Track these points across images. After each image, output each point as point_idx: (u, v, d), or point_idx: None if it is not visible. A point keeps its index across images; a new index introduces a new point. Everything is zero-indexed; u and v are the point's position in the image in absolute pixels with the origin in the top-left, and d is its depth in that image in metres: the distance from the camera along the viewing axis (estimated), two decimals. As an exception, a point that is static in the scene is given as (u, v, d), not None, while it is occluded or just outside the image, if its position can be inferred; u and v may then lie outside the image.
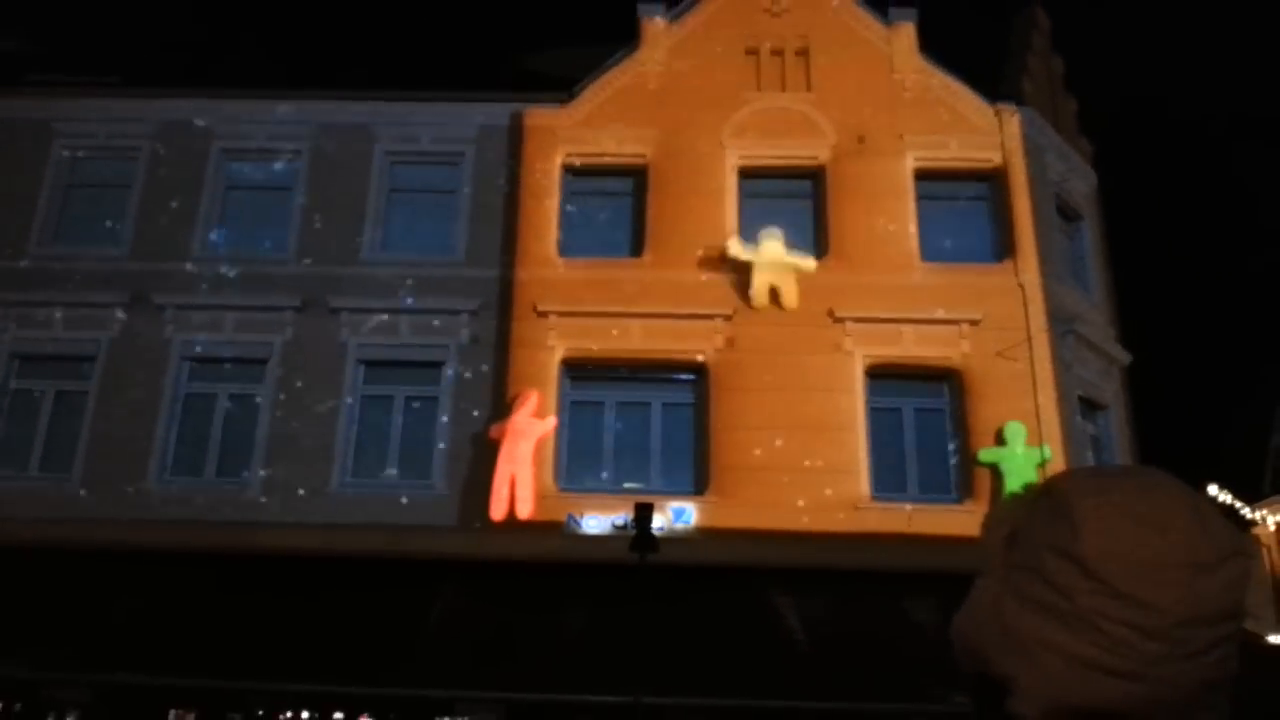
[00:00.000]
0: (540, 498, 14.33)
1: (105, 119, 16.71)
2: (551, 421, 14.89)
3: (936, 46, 16.99)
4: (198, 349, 15.40)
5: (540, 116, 16.58)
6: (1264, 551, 25.87)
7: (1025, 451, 14.35)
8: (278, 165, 16.54)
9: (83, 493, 14.55)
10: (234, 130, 16.60)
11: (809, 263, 15.20)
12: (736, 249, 15.26)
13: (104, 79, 17.22)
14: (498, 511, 14.20)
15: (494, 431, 14.72)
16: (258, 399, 15.09)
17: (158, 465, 14.74)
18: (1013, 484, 13.99)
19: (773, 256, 15.15)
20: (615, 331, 15.20)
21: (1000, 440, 14.50)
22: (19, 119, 16.76)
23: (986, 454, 14.44)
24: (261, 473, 14.63)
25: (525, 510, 14.28)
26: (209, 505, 14.33)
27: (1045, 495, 1.07)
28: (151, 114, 16.67)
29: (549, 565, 13.34)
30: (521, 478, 14.41)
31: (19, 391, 15.45)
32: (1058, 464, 14.32)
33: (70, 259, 15.87)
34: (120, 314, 15.46)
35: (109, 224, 16.21)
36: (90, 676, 12.74)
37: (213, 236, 16.13)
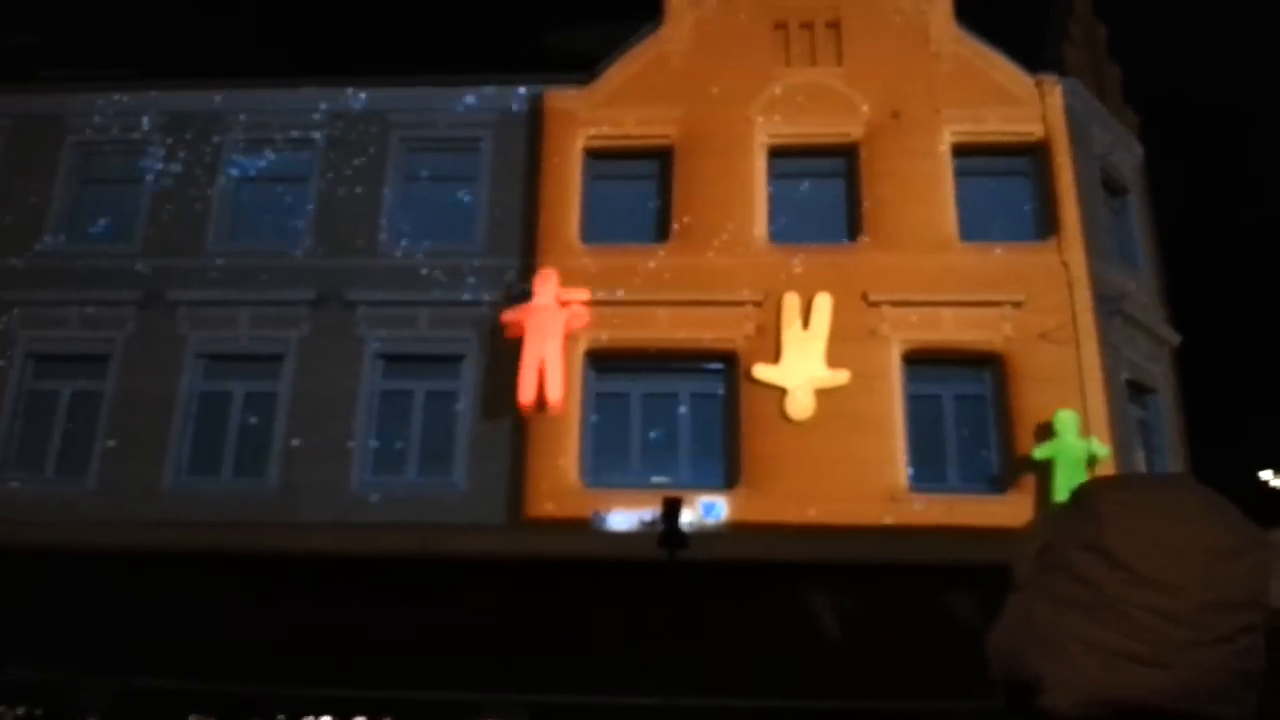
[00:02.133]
0: (564, 494, 13.89)
1: (118, 112, 16.40)
2: (583, 313, 14.49)
3: (974, 15, 16.25)
4: (212, 346, 15.08)
5: (560, 99, 16.06)
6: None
7: (1077, 443, 13.58)
8: (292, 155, 16.14)
9: (99, 494, 14.29)
10: (247, 121, 16.22)
11: (841, 376, 14.24)
12: (763, 373, 14.33)
13: (117, 72, 16.90)
14: (526, 396, 13.94)
15: (509, 315, 14.38)
16: (275, 396, 14.74)
17: (174, 466, 14.45)
18: (1065, 479, 13.22)
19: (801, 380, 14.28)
20: (641, 320, 14.69)
21: (1050, 432, 13.76)
22: (32, 114, 16.50)
23: (1041, 450, 13.66)
24: (279, 472, 14.30)
25: (555, 394, 13.99)
26: (226, 506, 14.00)
27: (1073, 501, 1.12)
28: (164, 106, 16.34)
29: (575, 563, 12.90)
30: (551, 361, 14.10)
31: (35, 393, 15.22)
32: (1108, 460, 13.66)
33: (82, 256, 15.59)
34: (134, 311, 15.17)
35: (121, 220, 15.91)
36: (110, 680, 12.57)
37: (226, 230, 15.78)
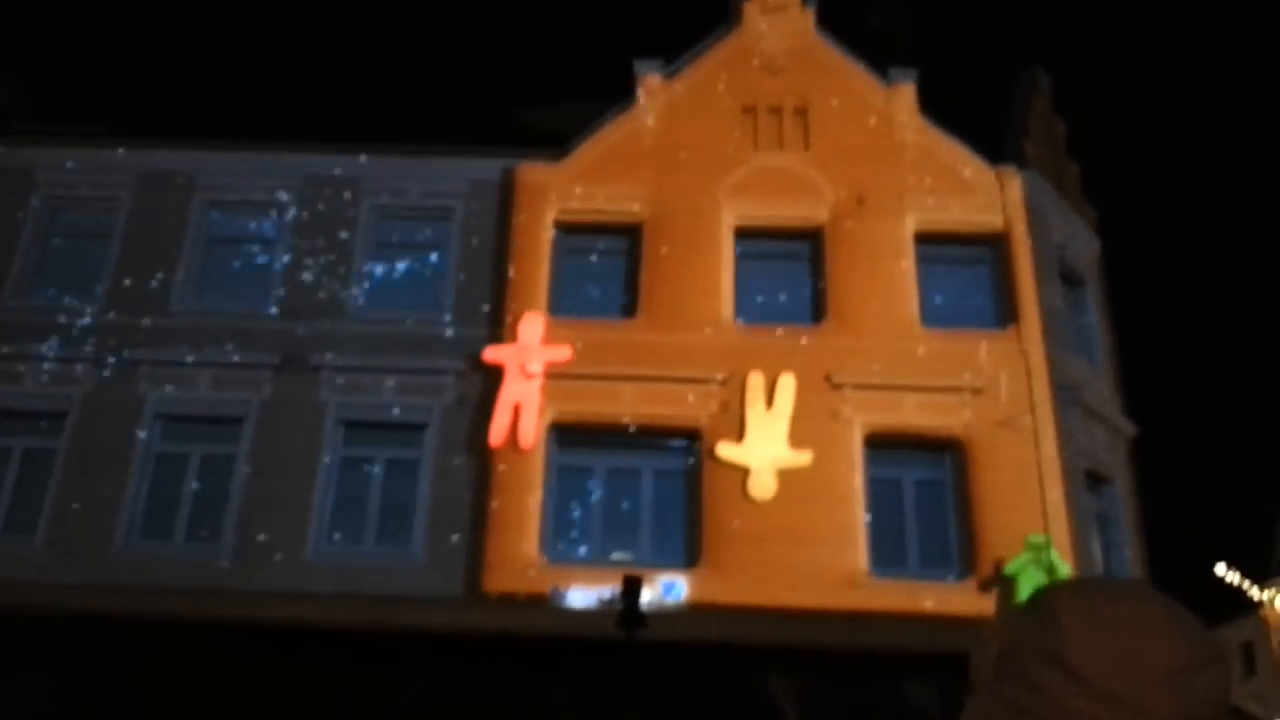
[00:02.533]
0: (523, 569, 13.73)
1: (88, 168, 16.32)
2: (566, 350, 14.66)
3: (936, 108, 16.71)
4: (172, 406, 14.84)
5: (532, 172, 16.22)
6: (1271, 633, 25.20)
7: (1045, 563, 13.49)
8: (261, 218, 16.12)
9: (45, 555, 13.89)
10: (217, 182, 16.21)
11: (803, 457, 14.32)
12: (727, 452, 14.38)
13: (90, 129, 16.84)
14: (496, 439, 14.11)
15: (490, 355, 14.60)
16: (233, 460, 14.49)
17: (124, 528, 14.11)
18: (1024, 591, 13.20)
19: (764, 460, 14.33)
20: (607, 395, 14.69)
21: (1018, 543, 13.64)
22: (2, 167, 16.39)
23: (1013, 566, 13.65)
24: (233, 538, 14.00)
25: (527, 440, 14.14)
26: (176, 571, 13.65)
27: (1032, 607, 1.10)
28: (134, 165, 16.28)
29: (532, 641, 12.68)
30: (527, 405, 14.28)
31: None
32: (1062, 536, 13.77)
33: (44, 312, 15.37)
34: (91, 369, 14.92)
35: (86, 276, 15.73)
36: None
37: (191, 290, 15.64)
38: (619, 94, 16.89)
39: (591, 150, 16.45)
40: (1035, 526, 13.81)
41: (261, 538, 13.91)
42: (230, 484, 14.34)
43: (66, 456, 14.51)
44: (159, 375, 14.94)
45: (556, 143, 16.43)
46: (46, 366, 14.97)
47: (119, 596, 13.06)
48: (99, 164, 16.37)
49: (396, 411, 14.81)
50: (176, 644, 12.54)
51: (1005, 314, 15.42)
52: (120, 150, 16.43)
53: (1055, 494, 14.11)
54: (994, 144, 16.95)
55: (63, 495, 14.26)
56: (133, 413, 14.71)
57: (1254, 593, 24.44)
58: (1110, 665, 1.00)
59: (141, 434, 14.62)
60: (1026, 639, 1.07)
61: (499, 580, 13.71)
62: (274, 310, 15.39)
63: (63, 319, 15.31)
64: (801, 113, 16.67)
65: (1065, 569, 13.54)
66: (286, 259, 15.72)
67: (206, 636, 12.59)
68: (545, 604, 13.46)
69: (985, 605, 13.04)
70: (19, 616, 12.52)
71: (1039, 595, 1.13)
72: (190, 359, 14.93)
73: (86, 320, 15.30)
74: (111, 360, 14.94)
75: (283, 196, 16.13)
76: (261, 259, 15.90)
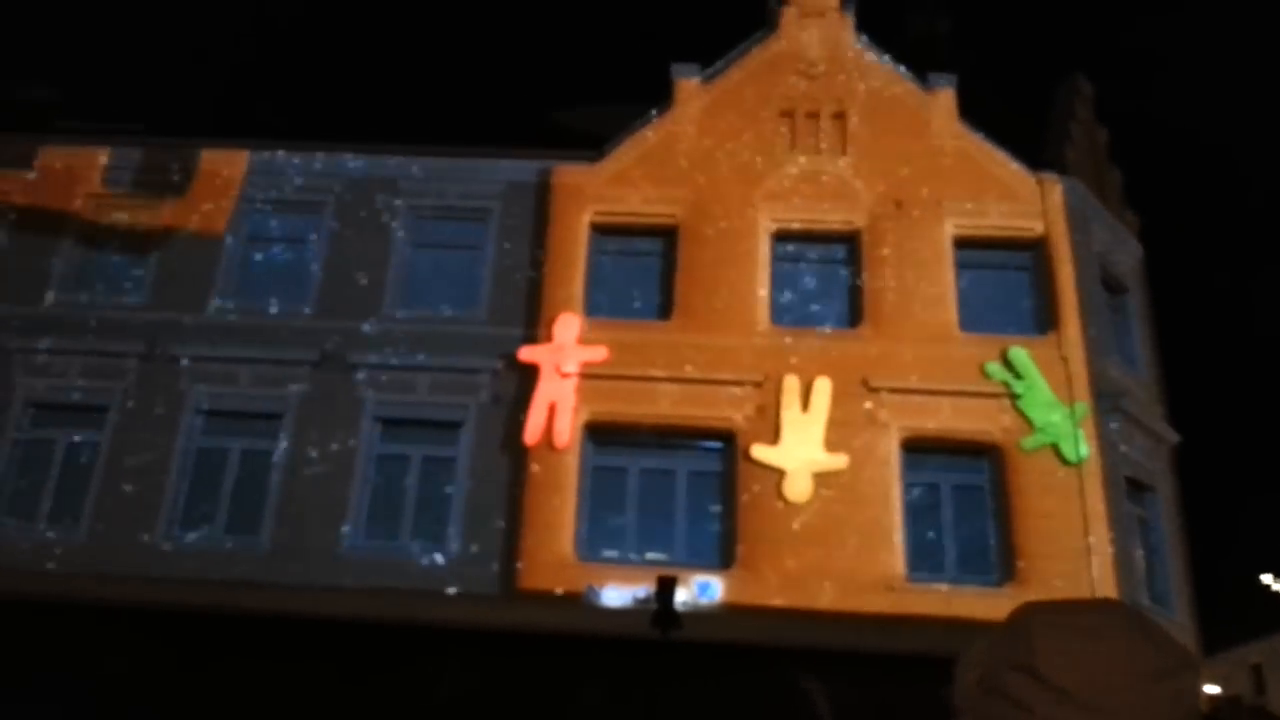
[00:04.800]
0: (558, 567, 13.72)
1: (131, 168, 16.53)
2: (602, 351, 14.70)
3: (977, 113, 16.60)
4: (212, 402, 14.99)
5: (569, 174, 16.27)
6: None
7: (1041, 384, 14.35)
8: (300, 218, 16.27)
9: (89, 547, 14.05)
10: (257, 181, 16.38)
11: (839, 461, 14.27)
12: (762, 454, 14.33)
13: (129, 126, 17.08)
14: (531, 438, 14.21)
15: (526, 354, 14.69)
16: (271, 455, 14.60)
17: (166, 521, 14.25)
18: (1037, 416, 14.25)
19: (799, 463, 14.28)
20: (641, 396, 14.67)
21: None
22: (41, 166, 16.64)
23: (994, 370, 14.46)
24: (271, 532, 14.10)
25: (562, 440, 14.21)
26: (216, 564, 13.78)
27: (1008, 624, 1.15)
28: (177, 164, 16.48)
29: (566, 639, 12.65)
30: (563, 405, 14.33)
31: (33, 441, 15.06)
32: (1103, 543, 13.60)
33: (89, 308, 15.58)
34: (135, 364, 15.10)
35: (131, 275, 15.95)
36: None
37: (231, 288, 15.81)
38: (656, 97, 16.92)
39: (628, 153, 16.48)
40: (1075, 533, 13.66)
41: (299, 533, 14.00)
42: (268, 479, 14.44)
43: (109, 450, 14.68)
44: (199, 371, 15.09)
45: (593, 145, 16.48)
46: (91, 362, 15.16)
47: (156, 588, 13.20)
48: (142, 163, 16.58)
49: (433, 409, 14.85)
50: (214, 636, 12.65)
51: (1045, 320, 15.27)
52: (159, 150, 16.62)
53: (1096, 500, 13.93)
54: (1035, 150, 16.82)
55: (106, 488, 14.42)
56: (174, 408, 14.86)
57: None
58: (1080, 672, 1.03)
59: (183, 428, 14.77)
60: (1001, 655, 1.10)
61: (533, 578, 13.71)
62: (313, 308, 15.51)
63: (106, 315, 15.52)
64: (840, 117, 16.62)
65: (1082, 409, 14.25)
66: (324, 258, 15.85)
67: (243, 629, 12.68)
68: (579, 602, 13.43)
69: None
70: (64, 607, 12.68)
71: (1014, 613, 1.18)
72: (230, 355, 15.06)
73: (127, 316, 15.48)
74: (152, 356, 15.11)
75: (321, 197, 16.28)
76: (299, 258, 16.03)
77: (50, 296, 15.79)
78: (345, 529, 14.08)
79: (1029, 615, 1.13)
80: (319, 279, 15.72)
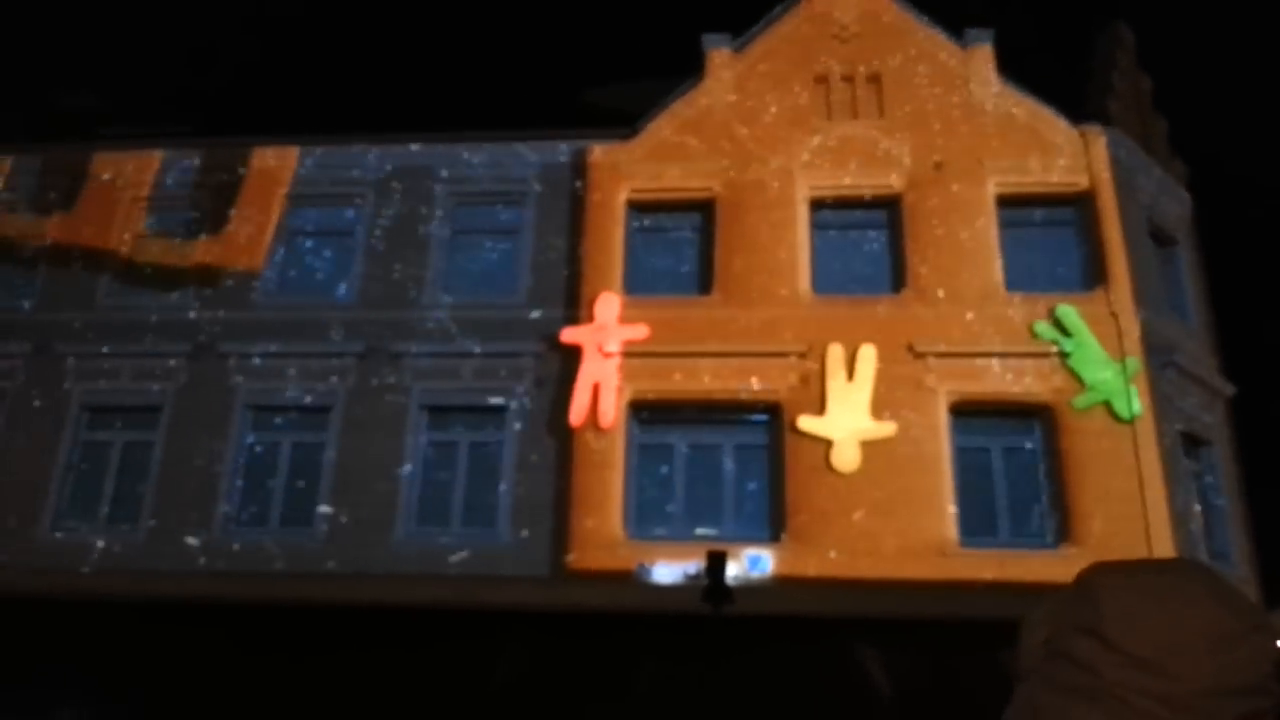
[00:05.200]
0: (607, 546, 13.79)
1: (173, 169, 16.78)
2: (643, 329, 14.67)
3: (1015, 67, 16.27)
4: (261, 398, 15.22)
5: (604, 153, 16.21)
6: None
7: (1093, 343, 14.14)
8: (340, 209, 16.41)
9: (147, 544, 14.38)
10: (296, 175, 16.53)
11: (887, 428, 14.15)
12: (809, 425, 14.23)
13: (170, 129, 17.32)
14: (577, 419, 14.27)
15: (568, 336, 14.73)
16: (322, 448, 14.81)
17: (223, 517, 14.53)
18: (1090, 375, 14.08)
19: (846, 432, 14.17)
20: (684, 372, 14.65)
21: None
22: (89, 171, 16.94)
23: (1043, 329, 14.33)
24: (324, 524, 14.32)
25: (607, 419, 14.24)
26: (272, 557, 14.05)
27: (1074, 587, 1.12)
28: (218, 162, 16.70)
29: (619, 617, 12.72)
30: (606, 385, 14.37)
31: (89, 444, 15.41)
32: (1159, 500, 13.38)
33: (138, 310, 15.87)
34: (185, 364, 15.39)
35: (176, 273, 16.22)
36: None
37: (274, 283, 16.01)
38: (687, 70, 16.78)
39: (662, 128, 16.38)
40: (1130, 491, 13.44)
41: (351, 522, 14.20)
42: (320, 471, 14.65)
43: (164, 449, 14.98)
44: (246, 368, 15.32)
45: (626, 122, 16.41)
46: (140, 363, 15.45)
47: (216, 583, 13.48)
48: (183, 163, 16.81)
49: (478, 395, 14.95)
50: (274, 628, 12.88)
51: (1093, 276, 14.98)
52: (201, 149, 16.85)
53: (1150, 458, 13.68)
54: (1077, 103, 16.45)
55: (161, 486, 14.72)
56: (224, 404, 15.11)
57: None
58: (1148, 635, 1.01)
59: (234, 425, 15.02)
60: (1068, 618, 1.08)
61: (584, 558, 13.80)
62: (355, 300, 15.66)
63: (154, 317, 15.80)
64: (875, 80, 16.37)
65: (1134, 364, 14.03)
66: (365, 250, 15.98)
67: (302, 621, 12.90)
68: (631, 581, 13.49)
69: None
70: (125, 605, 12.98)
71: (1080, 575, 1.14)
72: (277, 350, 15.27)
73: (176, 317, 15.75)
74: (201, 354, 15.37)
75: (359, 189, 16.39)
76: (340, 250, 16.18)
77: (100, 300, 16.09)
78: (397, 517, 14.25)
79: (1096, 577, 1.10)
80: (360, 271, 15.86)
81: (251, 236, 16.23)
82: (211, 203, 16.51)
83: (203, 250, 16.18)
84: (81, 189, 16.88)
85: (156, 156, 16.94)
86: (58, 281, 16.28)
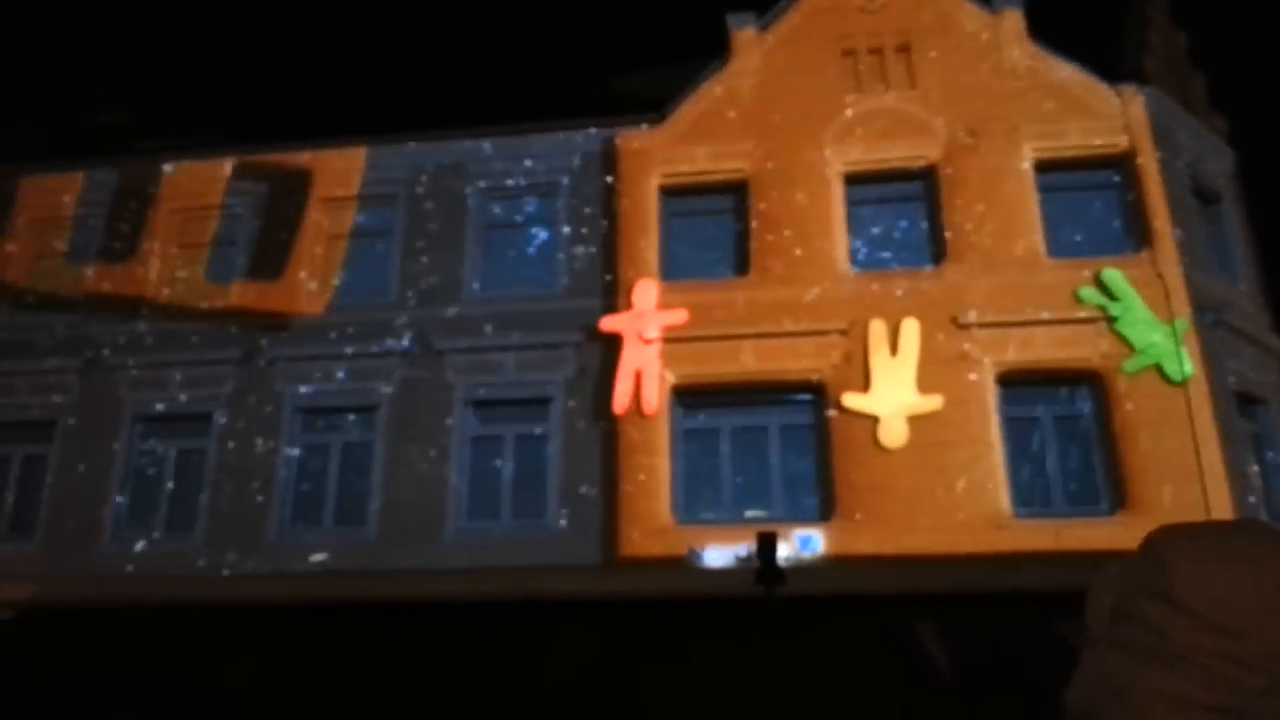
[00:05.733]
0: (657, 532, 13.81)
1: (206, 177, 16.98)
2: (682, 314, 14.74)
3: (1047, 30, 16.00)
4: (308, 400, 15.40)
5: (633, 140, 16.18)
6: None
7: (1140, 307, 14.03)
8: (376, 210, 16.53)
9: (206, 549, 14.63)
10: (333, 179, 16.66)
11: (934, 402, 14.03)
12: (854, 402, 14.15)
13: (206, 138, 17.52)
14: (620, 407, 14.32)
15: (607, 324, 14.76)
16: (371, 446, 14.97)
17: (277, 520, 14.73)
18: (1137, 337, 13.96)
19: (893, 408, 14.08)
20: (725, 355, 14.61)
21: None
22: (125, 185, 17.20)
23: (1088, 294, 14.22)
24: (377, 522, 14.48)
25: (651, 406, 14.28)
26: (328, 557, 14.22)
27: (1141, 551, 1.11)
28: (249, 168, 16.87)
29: (671, 602, 12.74)
30: (648, 372, 14.42)
31: (144, 453, 15.67)
32: (1215, 461, 13.16)
33: (185, 319, 16.11)
34: (233, 370, 15.59)
35: (215, 278, 16.42)
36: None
37: (316, 286, 16.16)
38: (713, 52, 16.69)
39: (690, 111, 16.32)
40: (1186, 453, 13.23)
41: (404, 520, 14.33)
42: (370, 471, 14.79)
43: (216, 456, 15.21)
44: (295, 371, 15.50)
45: (654, 108, 16.35)
46: (191, 372, 15.70)
47: (272, 585, 13.67)
48: (213, 172, 17.00)
49: (521, 388, 15.02)
50: (331, 627, 13.04)
51: (1137, 238, 14.74)
52: (236, 156, 17.02)
53: (1205, 419, 13.46)
54: (1112, 63, 16.16)
55: (217, 493, 14.95)
56: (274, 410, 15.31)
57: None
58: (1218, 598, 1.01)
59: (284, 429, 15.22)
60: (1137, 582, 1.08)
61: (634, 545, 13.83)
62: (396, 299, 15.78)
63: (202, 325, 16.02)
64: (904, 50, 16.19)
65: (1183, 325, 13.86)
66: (402, 248, 16.08)
67: (357, 618, 13.05)
68: (682, 566, 13.51)
69: (1137, 537, 12.57)
70: (186, 609, 13.21)
71: (1148, 539, 1.13)
72: (323, 353, 15.44)
73: (222, 322, 15.96)
74: (249, 359, 15.58)
75: (392, 188, 16.50)
76: (381, 250, 16.29)
77: (144, 312, 16.34)
78: (447, 513, 14.37)
79: (1164, 541, 1.09)
80: (399, 270, 15.97)
81: (284, 243, 16.39)
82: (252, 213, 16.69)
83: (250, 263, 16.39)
84: (148, 205, 17.07)
85: (207, 167, 17.14)
86: (105, 297, 16.56)
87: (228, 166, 17.00)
